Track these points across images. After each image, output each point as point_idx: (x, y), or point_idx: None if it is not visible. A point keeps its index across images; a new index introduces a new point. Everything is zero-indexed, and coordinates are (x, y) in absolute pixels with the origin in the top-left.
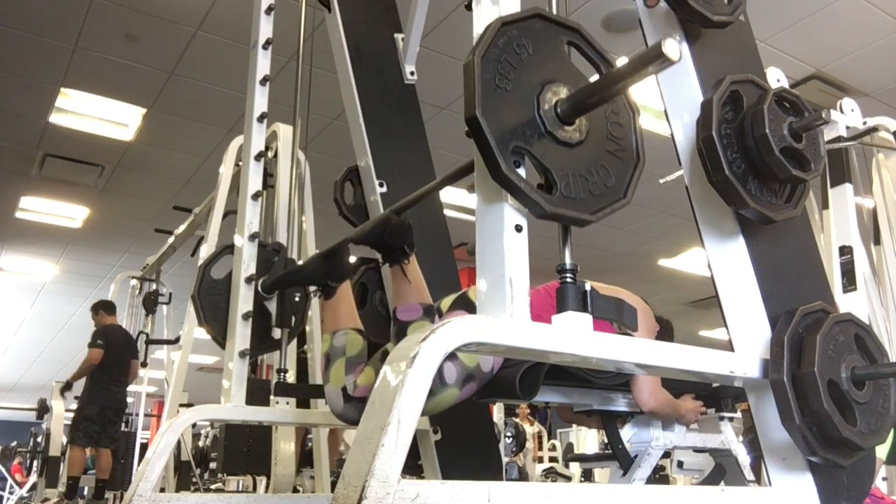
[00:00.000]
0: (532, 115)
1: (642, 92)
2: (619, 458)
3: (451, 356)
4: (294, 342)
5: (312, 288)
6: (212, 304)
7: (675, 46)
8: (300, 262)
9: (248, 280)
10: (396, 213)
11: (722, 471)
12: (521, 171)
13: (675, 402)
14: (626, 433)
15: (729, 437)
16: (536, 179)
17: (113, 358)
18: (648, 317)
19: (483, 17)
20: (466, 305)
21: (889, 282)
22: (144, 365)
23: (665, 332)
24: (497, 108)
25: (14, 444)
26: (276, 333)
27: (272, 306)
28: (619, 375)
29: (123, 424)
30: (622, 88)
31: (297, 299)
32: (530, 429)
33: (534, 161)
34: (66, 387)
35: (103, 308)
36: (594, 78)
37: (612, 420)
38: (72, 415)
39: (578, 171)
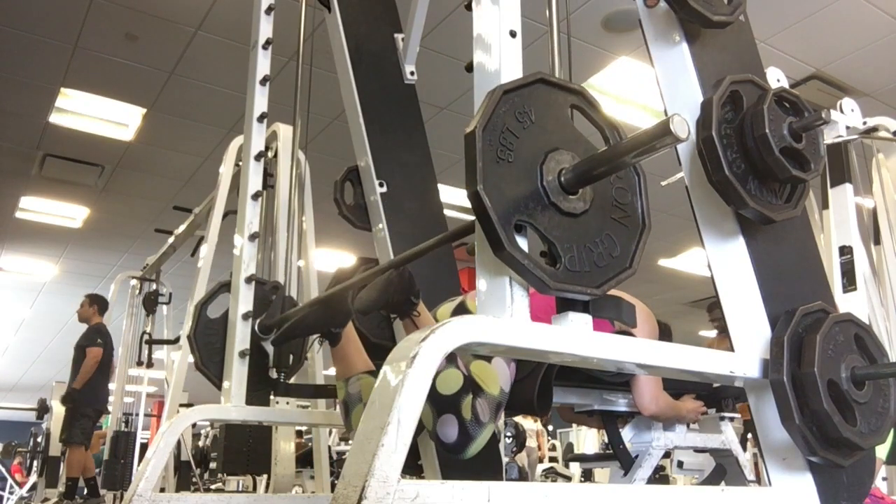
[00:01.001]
0: (535, 187)
1: (642, 92)
2: (620, 458)
3: (479, 393)
4: None
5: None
6: (208, 344)
7: (683, 125)
8: (297, 295)
9: (248, 280)
10: (395, 268)
11: (723, 471)
12: (524, 242)
13: (676, 405)
14: (627, 433)
15: (729, 437)
16: (539, 246)
17: (107, 358)
18: (651, 321)
19: (483, 18)
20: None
21: (889, 282)
22: (151, 365)
23: (664, 335)
24: (499, 181)
25: (14, 442)
26: (274, 374)
27: (269, 346)
28: (622, 374)
29: (123, 424)
30: (628, 162)
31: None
32: (533, 425)
33: (537, 233)
34: (72, 394)
35: (98, 304)
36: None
37: (612, 420)
38: None
39: (583, 242)
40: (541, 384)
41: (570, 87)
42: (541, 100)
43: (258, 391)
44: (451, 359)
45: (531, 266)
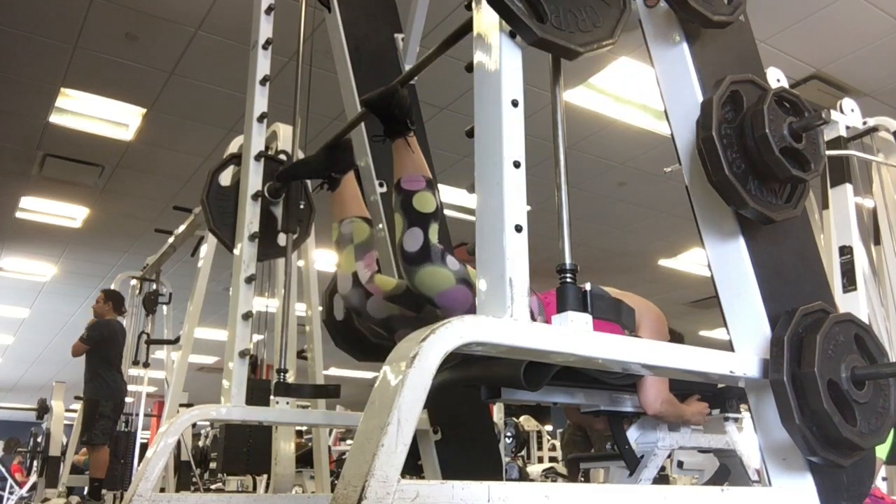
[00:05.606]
0: None
1: (642, 92)
2: (626, 458)
3: (463, 281)
4: (294, 343)
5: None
6: (220, 208)
7: None
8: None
9: (248, 280)
10: (401, 85)
11: (727, 471)
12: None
13: (680, 406)
14: (632, 433)
15: (734, 437)
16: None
17: (116, 352)
18: (660, 323)
19: (483, 18)
20: None
21: (889, 282)
22: (147, 365)
23: (676, 341)
24: None
25: (16, 439)
26: (282, 240)
27: (278, 212)
28: (628, 376)
29: (123, 424)
30: None
31: (301, 206)
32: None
33: None
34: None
35: (113, 300)
36: None
37: (618, 421)
38: (73, 415)
39: (568, 7)
40: (538, 364)
41: None
42: None
43: (267, 255)
44: (430, 184)
45: (521, 13)
